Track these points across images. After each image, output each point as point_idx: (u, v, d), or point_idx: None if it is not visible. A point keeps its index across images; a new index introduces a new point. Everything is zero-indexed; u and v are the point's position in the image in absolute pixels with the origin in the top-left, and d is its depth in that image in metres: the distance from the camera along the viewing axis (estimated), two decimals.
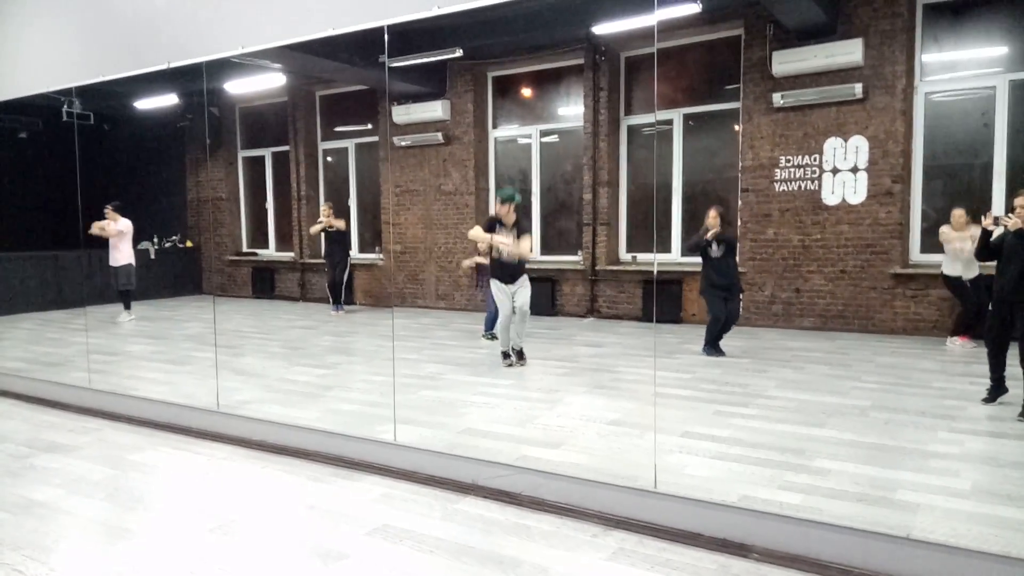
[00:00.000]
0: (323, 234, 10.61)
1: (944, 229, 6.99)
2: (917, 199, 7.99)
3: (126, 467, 4.25)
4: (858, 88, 7.76)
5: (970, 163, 7.83)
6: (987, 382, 5.07)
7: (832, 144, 8.08)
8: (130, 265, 10.04)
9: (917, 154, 7.95)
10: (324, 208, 10.53)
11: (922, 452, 4.11)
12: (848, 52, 7.72)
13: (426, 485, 3.83)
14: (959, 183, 7.81)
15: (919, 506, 3.35)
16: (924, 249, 7.98)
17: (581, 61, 9.72)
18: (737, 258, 7.18)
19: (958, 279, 6.92)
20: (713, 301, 6.94)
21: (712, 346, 6.90)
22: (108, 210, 9.86)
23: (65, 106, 7.62)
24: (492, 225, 6.47)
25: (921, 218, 8.01)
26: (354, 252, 12.10)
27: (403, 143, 11.10)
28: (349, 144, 12.26)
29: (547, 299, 9.81)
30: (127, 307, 10.08)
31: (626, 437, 4.50)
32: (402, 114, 10.93)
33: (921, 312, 7.72)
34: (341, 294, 10.72)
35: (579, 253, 10.01)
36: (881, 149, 7.84)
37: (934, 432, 4.47)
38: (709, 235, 6.81)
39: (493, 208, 7.27)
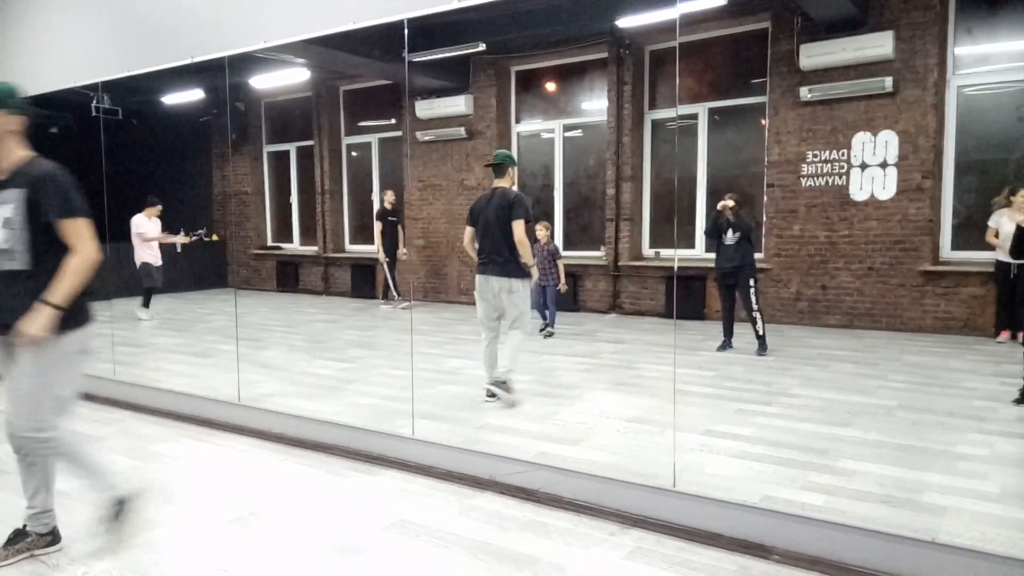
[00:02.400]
0: (380, 223, 10.37)
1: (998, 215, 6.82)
2: (948, 195, 7.82)
3: (148, 458, 4.29)
4: (888, 81, 7.60)
5: (1004, 158, 7.64)
6: (1019, 382, 4.95)
7: (861, 139, 7.93)
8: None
9: (949, 149, 7.78)
10: (387, 194, 10.49)
11: (950, 454, 4.02)
12: (878, 45, 7.57)
13: (444, 480, 3.83)
14: (992, 179, 7.62)
15: (946, 509, 3.28)
16: (955, 246, 7.81)
17: (605, 55, 9.65)
18: (758, 244, 6.95)
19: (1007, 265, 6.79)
20: (719, 289, 7.05)
21: (725, 340, 6.92)
22: (156, 207, 9.74)
23: (94, 101, 7.71)
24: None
25: (953, 214, 7.84)
26: (375, 246, 12.16)
27: (426, 138, 11.10)
28: (373, 139, 12.30)
29: (569, 294, 9.76)
30: (147, 304, 9.97)
31: (646, 435, 4.46)
32: (425, 109, 10.93)
33: (951, 310, 7.56)
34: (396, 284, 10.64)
35: (602, 248, 9.94)
36: (911, 144, 7.68)
37: (963, 433, 4.37)
38: (720, 205, 6.83)
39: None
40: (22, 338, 2.75)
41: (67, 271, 2.80)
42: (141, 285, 9.89)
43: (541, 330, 8.05)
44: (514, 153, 10.87)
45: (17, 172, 2.87)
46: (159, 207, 9.84)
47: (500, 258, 5.01)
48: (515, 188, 5.27)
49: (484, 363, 5.24)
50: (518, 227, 4.96)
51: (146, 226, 9.65)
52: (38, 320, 2.74)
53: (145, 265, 9.67)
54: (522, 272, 5.06)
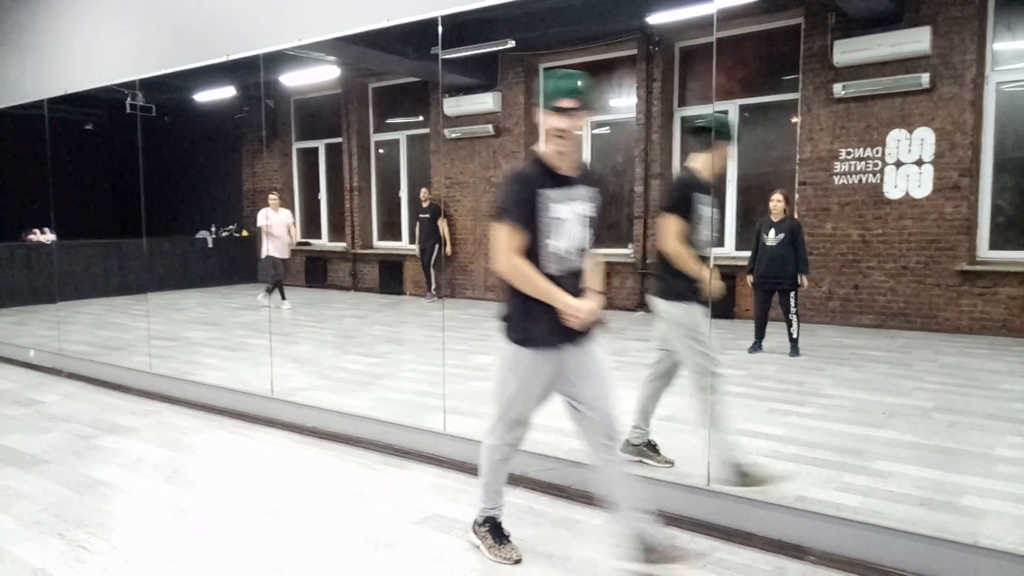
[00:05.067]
0: (417, 218, 10.96)
1: None
2: (986, 193, 7.66)
3: (184, 449, 4.36)
4: (925, 78, 7.47)
5: None
6: None
7: (896, 136, 7.80)
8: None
9: (987, 146, 7.62)
10: (422, 191, 10.92)
11: (989, 456, 3.95)
12: (915, 40, 7.44)
13: (475, 475, 3.82)
14: None
15: (986, 512, 3.22)
16: (993, 245, 7.66)
17: (634, 52, 9.59)
18: (805, 249, 6.80)
19: None
20: (755, 290, 6.87)
21: (756, 342, 6.83)
22: (274, 197, 10.02)
23: (128, 99, 7.84)
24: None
25: (994, 212, 7.67)
26: (404, 243, 12.24)
27: (454, 135, 11.13)
28: (401, 136, 12.36)
29: None
30: (284, 295, 10.19)
31: (678, 433, 4.42)
32: (453, 106, 10.96)
33: (989, 311, 7.41)
34: (432, 279, 10.89)
35: (629, 246, 9.90)
36: (948, 141, 7.54)
37: (1002, 436, 4.29)
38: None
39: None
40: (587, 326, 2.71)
41: (600, 265, 2.88)
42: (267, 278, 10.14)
43: None
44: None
45: (586, 171, 2.77)
46: (274, 196, 10.05)
47: (652, 269, 3.95)
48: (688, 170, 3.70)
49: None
50: (662, 227, 3.57)
51: (271, 219, 9.83)
52: (594, 306, 2.71)
53: (268, 258, 9.87)
54: (670, 291, 3.58)
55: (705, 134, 3.67)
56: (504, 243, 2.62)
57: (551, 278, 2.65)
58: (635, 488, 2.78)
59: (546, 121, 2.64)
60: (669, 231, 3.50)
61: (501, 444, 2.94)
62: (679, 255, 3.48)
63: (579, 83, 2.60)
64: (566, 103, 2.59)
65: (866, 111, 7.96)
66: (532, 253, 2.64)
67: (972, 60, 7.37)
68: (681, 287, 3.52)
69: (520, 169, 2.70)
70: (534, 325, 2.68)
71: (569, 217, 2.65)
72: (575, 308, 2.62)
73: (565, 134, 2.61)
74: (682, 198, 3.51)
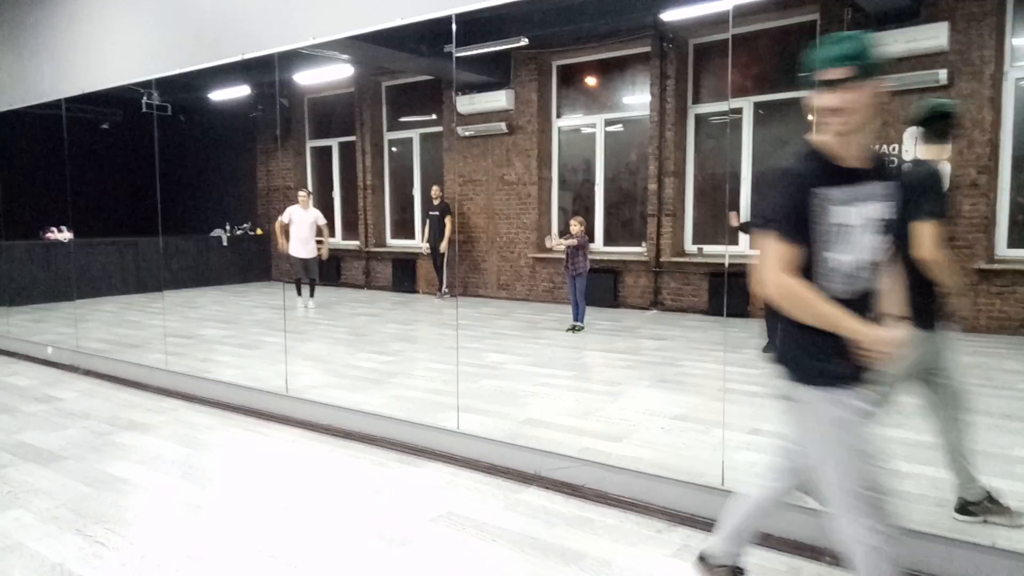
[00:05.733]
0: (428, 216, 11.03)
1: None
2: (1005, 191, 7.58)
3: (200, 446, 4.40)
4: (942, 74, 7.39)
5: None
6: None
7: (913, 133, 7.69)
8: (319, 255, 10.06)
9: (1005, 144, 7.53)
10: (434, 190, 10.96)
11: (1007, 457, 3.91)
12: (932, 37, 7.36)
13: (489, 474, 3.84)
14: None
15: None
16: (1011, 244, 7.57)
17: (648, 49, 9.56)
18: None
19: None
20: None
21: (770, 341, 6.78)
22: (304, 195, 9.92)
23: (144, 98, 7.90)
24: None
25: (1013, 210, 7.58)
26: (416, 240, 12.27)
27: (467, 133, 11.14)
28: (414, 134, 12.38)
29: (609, 291, 9.73)
30: (312, 295, 10.08)
31: (691, 432, 4.42)
32: (466, 104, 10.96)
33: (1007, 310, 7.33)
34: (444, 277, 10.92)
35: (643, 244, 9.87)
36: (966, 138, 7.46)
37: (1020, 436, 4.25)
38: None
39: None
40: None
41: (900, 282, 2.24)
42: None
43: (569, 329, 8.02)
44: (554, 148, 10.84)
45: (880, 161, 2.18)
46: (303, 193, 9.97)
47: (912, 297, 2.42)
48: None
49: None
50: (924, 235, 2.85)
51: (295, 216, 9.79)
52: (899, 337, 2.05)
53: (289, 257, 9.87)
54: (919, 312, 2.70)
55: (945, 122, 3.18)
56: (771, 260, 2.04)
57: (835, 302, 2.04)
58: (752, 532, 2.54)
59: (816, 101, 2.07)
60: (932, 238, 2.84)
61: (884, 540, 2.19)
62: (942, 264, 2.88)
63: (851, 46, 2.01)
64: (835, 73, 2.02)
65: (883, 108, 7.88)
66: (807, 270, 2.05)
67: (990, 56, 7.28)
68: (931, 308, 2.99)
69: (788, 165, 2.09)
70: (828, 358, 2.07)
71: (857, 222, 2.05)
72: (875, 339, 2.00)
73: (840, 113, 2.04)
74: (944, 198, 2.95)
